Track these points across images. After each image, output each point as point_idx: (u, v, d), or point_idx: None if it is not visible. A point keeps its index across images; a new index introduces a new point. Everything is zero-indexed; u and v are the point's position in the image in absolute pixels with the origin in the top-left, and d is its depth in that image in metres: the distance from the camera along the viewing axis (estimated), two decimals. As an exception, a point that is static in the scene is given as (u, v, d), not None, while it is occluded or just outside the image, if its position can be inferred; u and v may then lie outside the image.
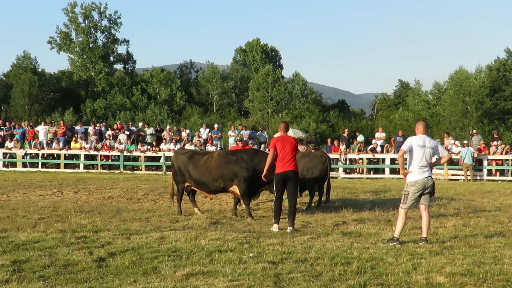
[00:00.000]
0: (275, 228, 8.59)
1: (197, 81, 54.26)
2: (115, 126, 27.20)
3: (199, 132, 25.70)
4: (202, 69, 56.46)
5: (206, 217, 9.81)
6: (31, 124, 28.72)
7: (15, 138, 25.21)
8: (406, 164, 7.47)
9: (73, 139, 25.25)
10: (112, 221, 9.13)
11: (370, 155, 23.27)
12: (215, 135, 25.34)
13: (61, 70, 52.32)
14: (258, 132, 26.41)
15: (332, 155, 21.95)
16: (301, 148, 22.49)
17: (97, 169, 24.42)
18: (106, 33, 51.55)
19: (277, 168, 8.68)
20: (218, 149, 22.74)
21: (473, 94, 36.41)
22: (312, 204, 11.91)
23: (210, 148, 23.44)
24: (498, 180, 21.49)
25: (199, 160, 10.39)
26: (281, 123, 9.21)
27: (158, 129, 27.99)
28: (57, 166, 24.76)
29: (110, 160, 24.82)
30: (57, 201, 12.34)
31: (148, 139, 25.70)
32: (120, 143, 24.59)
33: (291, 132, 26.48)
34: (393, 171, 22.26)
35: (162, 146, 24.61)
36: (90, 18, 50.49)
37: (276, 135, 9.97)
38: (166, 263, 5.96)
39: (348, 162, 23.65)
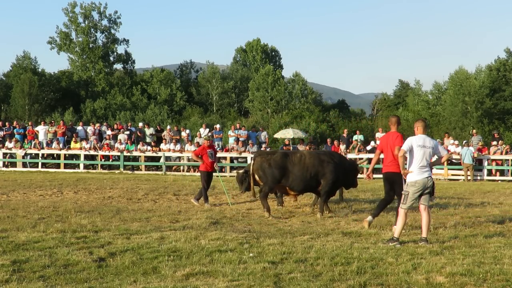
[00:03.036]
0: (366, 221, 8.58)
1: (197, 81, 54.22)
2: (115, 126, 27.21)
3: (200, 132, 25.69)
4: (202, 69, 56.41)
5: (206, 217, 9.81)
6: (30, 124, 28.70)
7: (14, 138, 25.18)
8: (406, 164, 7.47)
9: (73, 139, 25.25)
10: (112, 221, 9.14)
11: (370, 155, 23.24)
12: (216, 135, 25.33)
13: (61, 70, 52.29)
14: (258, 132, 26.36)
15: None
16: (301, 148, 22.57)
17: (97, 169, 24.42)
18: (106, 33, 51.53)
19: None
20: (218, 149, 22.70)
21: (473, 94, 36.37)
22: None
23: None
24: (498, 180, 21.48)
25: (294, 159, 10.56)
26: (392, 117, 8.63)
27: (158, 129, 27.98)
28: (57, 166, 24.74)
29: (110, 160, 24.82)
30: (57, 201, 12.34)
31: (147, 139, 25.69)
32: (121, 143, 24.59)
33: (296, 132, 26.35)
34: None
35: (162, 146, 24.61)
36: (90, 18, 50.44)
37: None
38: (166, 263, 5.96)
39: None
